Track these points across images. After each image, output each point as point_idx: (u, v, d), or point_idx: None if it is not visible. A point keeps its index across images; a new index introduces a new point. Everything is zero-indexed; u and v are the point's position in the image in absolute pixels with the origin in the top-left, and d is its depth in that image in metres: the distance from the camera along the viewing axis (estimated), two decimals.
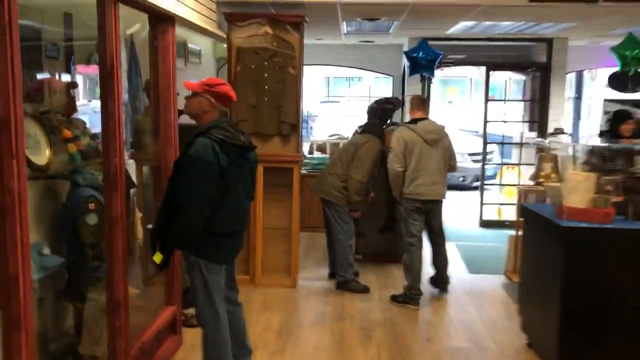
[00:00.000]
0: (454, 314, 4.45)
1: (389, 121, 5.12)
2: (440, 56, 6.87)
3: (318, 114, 15.24)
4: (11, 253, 1.91)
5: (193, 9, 3.94)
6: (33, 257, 2.79)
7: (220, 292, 2.88)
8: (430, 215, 4.56)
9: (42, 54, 3.25)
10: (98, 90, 2.88)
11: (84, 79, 4.04)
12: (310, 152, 7.80)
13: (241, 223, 2.96)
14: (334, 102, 16.46)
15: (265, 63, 4.68)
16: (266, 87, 4.69)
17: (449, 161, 4.55)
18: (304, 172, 6.21)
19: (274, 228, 4.86)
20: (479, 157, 8.89)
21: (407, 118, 7.56)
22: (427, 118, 4.56)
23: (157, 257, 2.80)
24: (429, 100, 4.71)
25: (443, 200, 4.60)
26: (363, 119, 5.22)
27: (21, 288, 1.96)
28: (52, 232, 3.18)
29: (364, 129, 4.96)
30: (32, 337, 2.05)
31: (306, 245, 5.98)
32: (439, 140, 4.47)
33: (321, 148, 7.86)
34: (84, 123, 3.34)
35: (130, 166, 3.91)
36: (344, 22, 6.14)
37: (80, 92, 3.76)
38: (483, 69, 8.23)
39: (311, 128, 13.57)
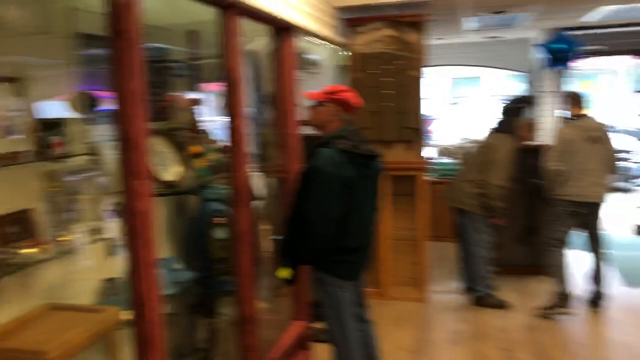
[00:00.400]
0: (610, 334, 3.92)
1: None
2: (580, 47, 6.24)
3: (437, 116, 14.74)
4: (140, 274, 1.89)
5: (312, 17, 3.87)
6: (165, 273, 2.84)
7: (350, 309, 2.73)
8: (586, 219, 4.11)
9: (169, 72, 3.34)
10: (223, 108, 2.88)
11: (211, 96, 4.13)
12: (437, 157, 7.45)
13: (367, 236, 2.79)
14: (454, 103, 15.87)
15: (386, 67, 4.50)
16: (387, 91, 4.51)
17: (610, 162, 4.09)
18: (431, 178, 5.92)
19: (401, 239, 4.64)
20: (623, 155, 7.99)
21: (543, 116, 7.03)
22: (586, 115, 4.12)
23: (283, 273, 2.71)
24: (584, 96, 4.23)
25: (602, 203, 4.12)
26: (488, 119, 4.83)
27: (151, 308, 1.94)
28: (184, 247, 3.23)
29: (497, 129, 4.58)
30: (164, 356, 2.02)
31: (437, 257, 5.67)
32: (600, 138, 4.04)
33: (448, 152, 7.49)
34: (212, 138, 3.38)
35: (258, 178, 3.92)
36: (468, 18, 5.78)
37: (210, 108, 3.84)
38: (622, 59, 7.36)
39: (430, 132, 13.09)
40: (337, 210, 2.56)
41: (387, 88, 4.50)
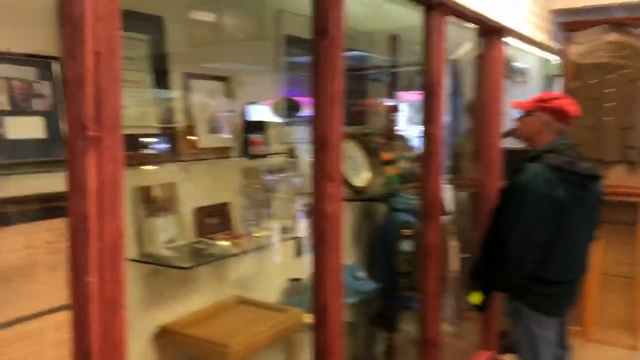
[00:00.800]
0: None
1: None
2: None
3: None
4: (324, 279, 1.82)
5: (524, 20, 3.53)
6: (348, 280, 2.77)
7: (549, 350, 2.37)
8: None
9: (367, 78, 3.29)
10: (418, 116, 2.76)
11: (407, 104, 4.04)
12: None
13: (578, 270, 2.41)
14: None
15: (609, 77, 3.94)
16: (608, 105, 3.94)
17: None
18: None
19: (613, 274, 4.02)
20: None
21: None
22: None
23: (475, 298, 2.46)
24: None
25: None
26: None
27: (333, 315, 1.87)
28: (368, 256, 3.15)
29: None
30: None
31: None
32: None
33: None
34: (406, 145, 3.26)
35: (447, 191, 3.70)
36: None
37: (404, 116, 3.74)
38: None
39: None
40: (543, 235, 2.24)
41: (609, 100, 3.93)
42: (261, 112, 2.73)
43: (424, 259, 2.55)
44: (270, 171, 2.76)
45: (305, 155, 2.85)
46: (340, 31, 1.80)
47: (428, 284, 2.53)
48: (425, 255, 2.53)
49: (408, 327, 3.11)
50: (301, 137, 2.82)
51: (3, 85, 1.68)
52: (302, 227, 2.77)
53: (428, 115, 2.52)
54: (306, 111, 2.81)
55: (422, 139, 2.56)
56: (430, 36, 2.46)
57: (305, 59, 2.91)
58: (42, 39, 1.77)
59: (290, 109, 2.84)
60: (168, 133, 2.24)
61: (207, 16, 2.48)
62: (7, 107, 1.69)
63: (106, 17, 1.04)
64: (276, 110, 2.79)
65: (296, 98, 2.87)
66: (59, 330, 1.78)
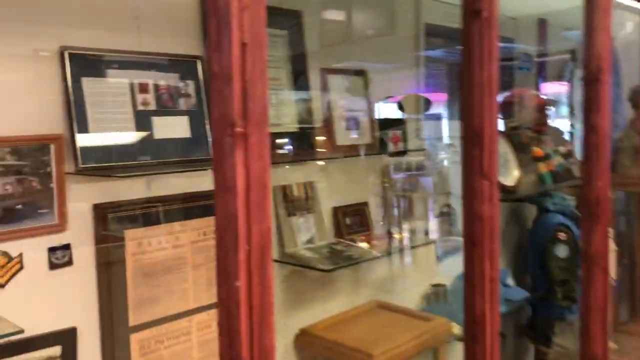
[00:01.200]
0: None
1: None
2: None
3: None
4: (478, 288, 1.64)
5: None
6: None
7: None
8: None
9: (511, 67, 3.04)
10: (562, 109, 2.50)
11: (556, 94, 3.70)
12: None
13: None
14: None
15: None
16: None
17: None
18: None
19: None
20: None
21: None
22: None
23: None
24: None
25: None
26: None
27: (488, 329, 1.68)
28: (517, 261, 2.89)
29: None
30: None
31: None
32: None
33: None
34: (559, 139, 2.95)
35: None
36: None
37: (553, 110, 3.42)
38: None
39: None
40: None
41: None
42: (393, 109, 2.62)
43: (587, 266, 2.25)
44: (407, 169, 2.63)
45: (441, 153, 2.70)
46: (494, 10, 1.60)
47: (593, 294, 2.23)
48: (590, 263, 2.24)
49: (562, 341, 2.81)
50: (435, 134, 2.68)
51: (151, 86, 1.72)
52: (440, 229, 2.62)
53: (591, 104, 2.21)
54: (437, 107, 2.68)
55: (585, 131, 2.27)
56: (593, 14, 2.16)
57: (444, 52, 2.76)
58: (186, 41, 1.79)
59: (422, 105, 2.70)
60: (304, 131, 2.19)
61: (342, 10, 2.40)
62: (154, 107, 1.72)
63: (252, 5, 0.97)
64: (408, 107, 2.66)
65: (428, 94, 2.73)
66: (204, 329, 1.79)
